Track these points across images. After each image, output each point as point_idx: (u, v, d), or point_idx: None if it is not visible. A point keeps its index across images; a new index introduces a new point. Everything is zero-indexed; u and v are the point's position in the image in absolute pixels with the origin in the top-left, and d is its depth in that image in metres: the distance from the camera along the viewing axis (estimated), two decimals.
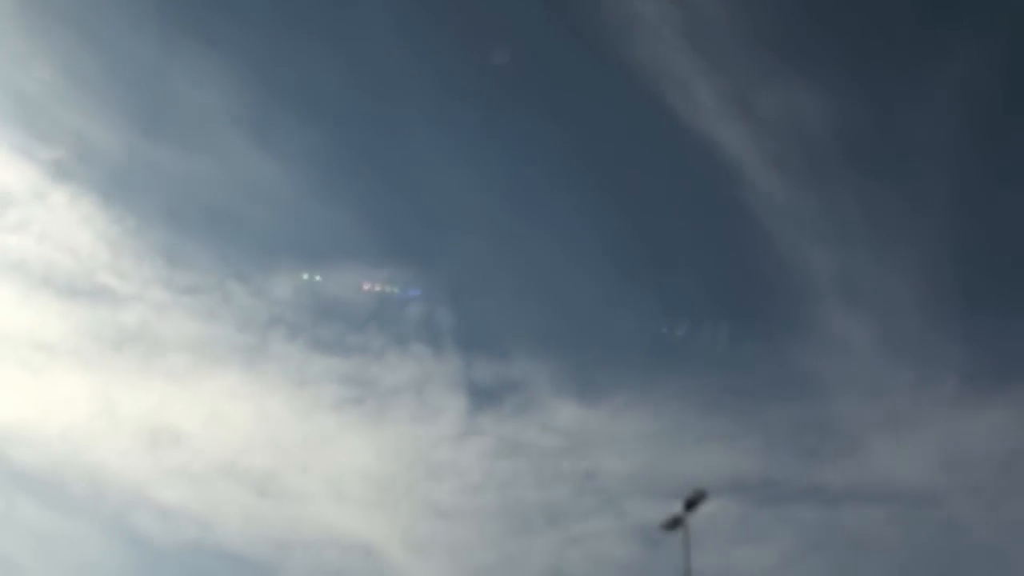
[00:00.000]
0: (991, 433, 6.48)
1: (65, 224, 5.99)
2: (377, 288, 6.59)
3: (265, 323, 6.36)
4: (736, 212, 7.25)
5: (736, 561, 6.17)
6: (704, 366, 7.05)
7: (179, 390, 6.14)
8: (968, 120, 7.12)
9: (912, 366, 7.04)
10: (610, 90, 7.46)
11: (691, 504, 3.21)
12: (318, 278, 6.41)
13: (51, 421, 5.96)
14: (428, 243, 7.76)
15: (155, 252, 6.17)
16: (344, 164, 7.43)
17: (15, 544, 5.86)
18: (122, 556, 6.04)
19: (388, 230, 7.69)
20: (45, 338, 5.93)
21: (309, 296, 6.48)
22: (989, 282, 7.23)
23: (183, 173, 6.60)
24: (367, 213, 7.60)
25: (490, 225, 7.63)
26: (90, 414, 6.09)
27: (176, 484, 6.06)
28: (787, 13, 7.02)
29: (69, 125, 6.13)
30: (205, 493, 6.17)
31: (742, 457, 6.59)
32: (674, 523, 3.19)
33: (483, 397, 6.71)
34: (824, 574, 6.23)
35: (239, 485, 6.24)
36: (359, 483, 6.53)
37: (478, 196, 7.67)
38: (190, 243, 6.60)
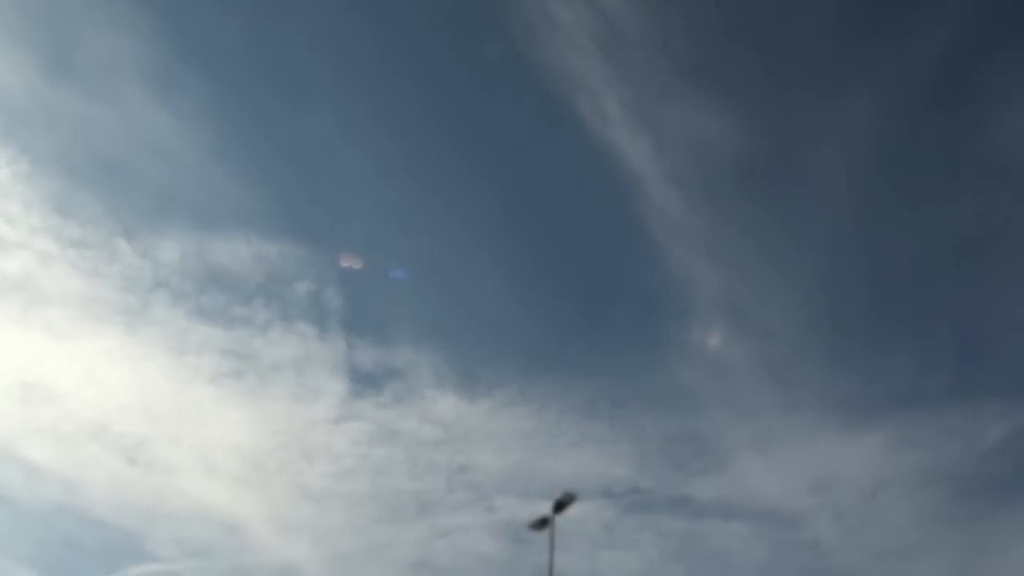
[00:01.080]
0: (858, 461, 6.74)
1: None
2: (267, 261, 6.53)
3: (149, 286, 6.24)
4: (632, 223, 7.38)
5: (601, 565, 6.29)
6: (586, 372, 7.16)
7: (56, 346, 6.00)
8: (861, 164, 7.41)
9: (786, 390, 7.29)
10: (517, 88, 7.49)
11: (560, 506, 3.25)
12: (208, 244, 6.33)
13: None
14: (324, 222, 7.66)
15: (45, 200, 5.99)
16: (247, 132, 7.31)
17: None
18: None
19: (285, 204, 7.58)
20: None
21: (197, 262, 6.35)
22: (864, 318, 7.53)
23: (82, 120, 6.41)
24: (265, 184, 7.47)
25: (388, 212, 7.59)
26: None
27: (45, 443, 5.94)
28: (704, 33, 7.16)
29: None
30: (73, 455, 6.06)
31: (615, 464, 6.72)
32: (542, 523, 3.23)
33: (364, 382, 6.68)
34: None
35: (109, 450, 6.13)
36: (231, 458, 6.44)
37: (378, 181, 7.64)
38: (82, 194, 6.41)
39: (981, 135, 6.95)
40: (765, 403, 6.99)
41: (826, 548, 6.40)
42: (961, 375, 6.94)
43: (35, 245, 5.84)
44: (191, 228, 6.51)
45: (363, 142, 7.49)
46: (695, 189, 7.07)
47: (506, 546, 6.15)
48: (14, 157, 5.86)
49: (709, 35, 7.22)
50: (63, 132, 6.37)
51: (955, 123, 7.12)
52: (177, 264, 6.29)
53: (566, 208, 7.69)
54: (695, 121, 7.06)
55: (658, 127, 6.95)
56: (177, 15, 6.73)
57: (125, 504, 6.08)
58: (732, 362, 6.94)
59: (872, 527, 6.41)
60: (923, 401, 6.84)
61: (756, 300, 7.25)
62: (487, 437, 6.66)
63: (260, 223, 7.13)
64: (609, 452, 6.70)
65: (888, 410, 6.82)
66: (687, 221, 7.02)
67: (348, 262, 6.70)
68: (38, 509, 6.00)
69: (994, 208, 6.94)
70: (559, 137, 7.39)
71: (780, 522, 6.47)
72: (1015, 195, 6.83)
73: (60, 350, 6.03)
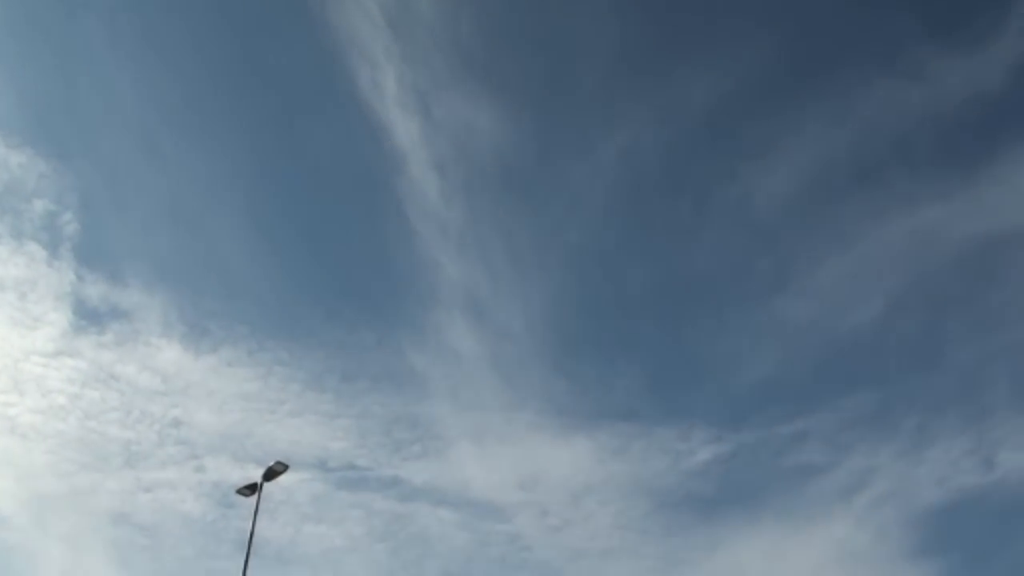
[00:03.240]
0: (569, 464, 7.11)
1: None
2: (7, 170, 6.09)
3: None
4: (389, 201, 7.45)
5: (306, 537, 6.31)
6: (319, 343, 7.15)
7: None
8: (619, 188, 7.81)
9: (511, 388, 7.57)
10: (298, 38, 7.41)
11: (271, 474, 3.23)
12: None
13: None
14: (75, 140, 7.26)
15: None
16: (9, 26, 6.83)
17: None
18: None
19: (36, 111, 7.15)
20: None
21: None
22: (595, 333, 7.94)
23: None
24: (18, 84, 7.01)
25: (144, 145, 7.27)
26: None
27: None
28: (494, 31, 7.36)
29: None
30: None
31: (334, 438, 6.75)
32: (251, 488, 3.21)
33: (88, 318, 6.43)
34: (385, 564, 6.54)
35: None
36: None
37: (140, 110, 7.31)
38: None
39: (734, 182, 7.52)
40: (489, 398, 7.24)
41: (528, 542, 6.73)
42: (678, 399, 7.51)
43: None
44: None
45: (131, 64, 7.16)
46: (456, 179, 7.22)
47: (212, 508, 6.05)
48: None
49: (498, 33, 7.42)
50: None
51: (714, 166, 7.67)
52: None
53: (327, 173, 7.66)
54: (468, 113, 7.22)
55: (430, 111, 7.06)
56: None
57: None
58: (464, 354, 7.13)
59: (574, 528, 6.78)
60: (639, 417, 7.36)
61: (497, 298, 7.49)
62: (208, 394, 6.52)
63: (5, 126, 6.69)
64: (330, 426, 6.72)
65: (604, 420, 7.24)
66: (443, 209, 7.16)
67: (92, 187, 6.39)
68: None
69: (734, 251, 7.51)
70: (333, 99, 7.36)
71: (487, 513, 6.73)
72: (756, 242, 7.43)
73: None
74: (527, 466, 7.06)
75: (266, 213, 7.75)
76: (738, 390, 7.39)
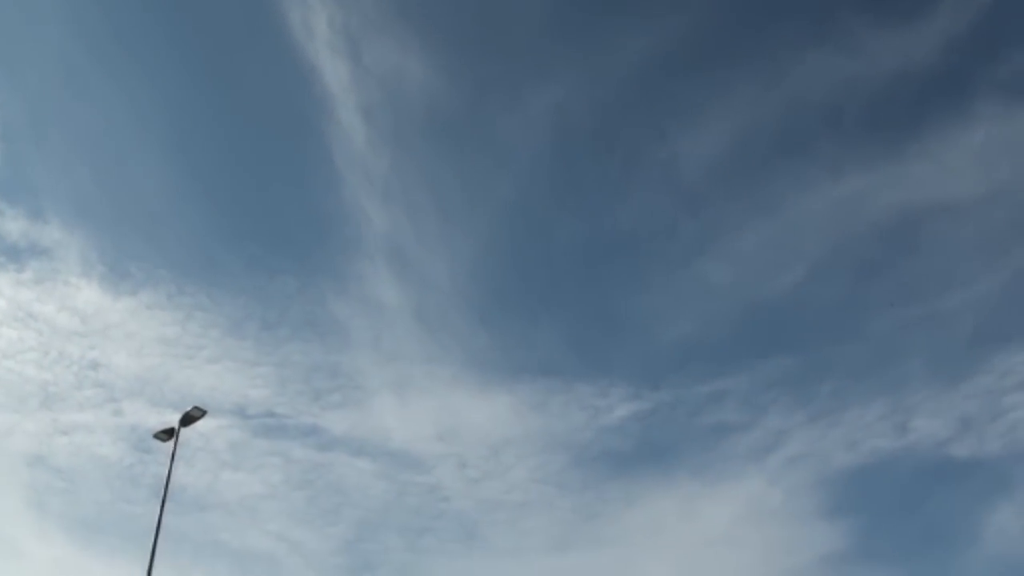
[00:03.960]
0: (489, 418, 7.14)
1: None
2: None
3: None
4: (316, 145, 7.33)
5: (223, 484, 6.26)
6: (240, 289, 7.04)
7: None
8: (550, 145, 7.78)
9: (434, 340, 7.55)
10: None
11: (188, 419, 3.18)
12: None
13: None
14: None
15: None
16: None
17: None
18: None
19: None
20: None
21: None
22: (519, 287, 7.95)
23: None
24: None
25: (68, 72, 7.04)
26: None
27: None
28: None
29: None
30: None
31: (253, 385, 6.68)
32: (168, 433, 3.15)
33: (6, 254, 6.30)
34: (303, 512, 6.52)
35: None
36: None
37: (65, 33, 7.04)
38: None
39: (664, 144, 7.55)
40: (411, 349, 7.22)
41: (446, 493, 6.77)
42: (599, 356, 7.56)
43: None
44: None
45: None
46: (385, 126, 7.12)
47: (128, 452, 5.96)
48: None
49: None
50: None
51: (643, 127, 7.68)
52: None
53: (254, 114, 7.50)
54: (399, 59, 7.12)
55: (361, 56, 6.94)
56: None
57: None
58: (387, 304, 7.09)
59: (492, 480, 6.83)
60: (559, 373, 7.41)
61: (422, 248, 7.44)
62: (126, 337, 6.39)
63: None
64: (249, 373, 6.64)
65: (525, 375, 7.30)
66: (370, 156, 7.06)
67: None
68: None
69: (660, 212, 7.56)
70: (262, 38, 7.19)
71: (406, 464, 6.75)
72: (682, 204, 7.48)
73: None
74: (447, 418, 7.08)
75: (190, 153, 7.58)
76: (658, 349, 7.49)
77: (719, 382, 6.97)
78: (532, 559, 6.32)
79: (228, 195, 7.60)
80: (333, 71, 6.85)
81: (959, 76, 7.23)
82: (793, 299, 7.36)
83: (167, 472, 3.10)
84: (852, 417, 6.63)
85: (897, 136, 7.58)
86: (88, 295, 6.29)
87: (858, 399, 6.75)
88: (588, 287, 7.78)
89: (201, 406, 3.24)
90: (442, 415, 7.09)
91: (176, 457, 3.14)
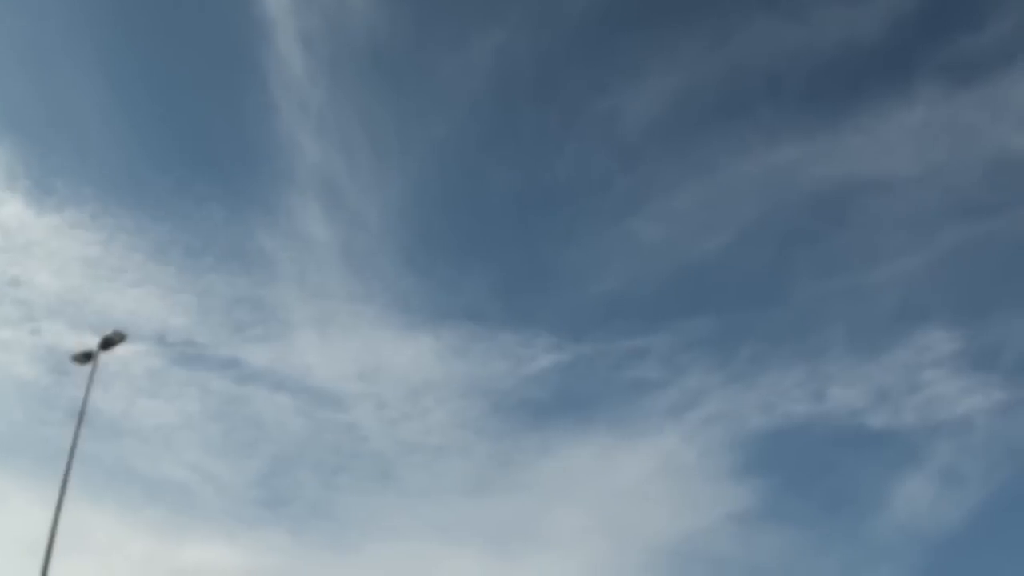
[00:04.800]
0: (411, 360, 7.11)
1: None
2: None
3: None
4: (252, 72, 7.13)
5: (139, 411, 6.15)
6: (166, 214, 6.87)
7: None
8: (491, 90, 7.69)
9: (360, 279, 7.48)
10: None
11: (108, 343, 3.09)
12: None
13: None
14: None
15: None
16: None
17: None
18: None
19: None
20: None
21: None
22: (449, 231, 7.89)
23: None
24: None
25: None
26: None
27: None
28: None
29: None
30: None
31: (174, 312, 6.55)
32: (86, 357, 3.06)
33: None
34: (218, 444, 6.44)
35: None
36: None
37: None
38: None
39: (604, 97, 7.51)
40: (336, 286, 7.14)
41: (364, 433, 6.75)
42: (525, 306, 7.56)
43: None
44: None
45: None
46: (323, 56, 6.96)
47: (44, 374, 5.81)
48: None
49: None
50: None
51: (585, 79, 7.63)
52: None
53: (190, 35, 7.27)
54: None
55: None
56: None
57: None
58: (315, 240, 6.99)
59: (410, 422, 6.82)
60: (484, 319, 7.39)
61: (354, 185, 7.32)
62: (49, 254, 6.20)
63: None
64: (171, 300, 6.51)
65: (449, 319, 7.26)
66: (307, 86, 6.90)
67: None
68: None
69: (596, 166, 7.54)
70: None
71: (325, 401, 6.70)
72: (618, 159, 7.47)
73: None
74: (369, 358, 7.03)
75: (122, 71, 7.32)
76: (584, 303, 7.52)
77: (641, 339, 7.04)
78: (446, 501, 6.36)
79: (159, 116, 7.38)
80: None
81: (903, 55, 7.33)
82: (721, 262, 7.45)
83: (84, 396, 3.03)
84: (770, 381, 6.76)
85: (836, 109, 7.68)
86: (11, 209, 6.09)
87: (777, 364, 6.89)
88: (518, 236, 7.77)
89: (121, 330, 3.18)
90: (364, 354, 7.05)
91: (93, 381, 3.08)
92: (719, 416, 6.75)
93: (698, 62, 7.45)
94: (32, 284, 6.10)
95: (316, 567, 5.85)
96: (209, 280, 6.74)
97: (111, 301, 6.19)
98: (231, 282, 6.78)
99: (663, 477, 6.58)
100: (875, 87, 7.76)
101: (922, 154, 6.98)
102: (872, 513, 6.37)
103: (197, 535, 5.90)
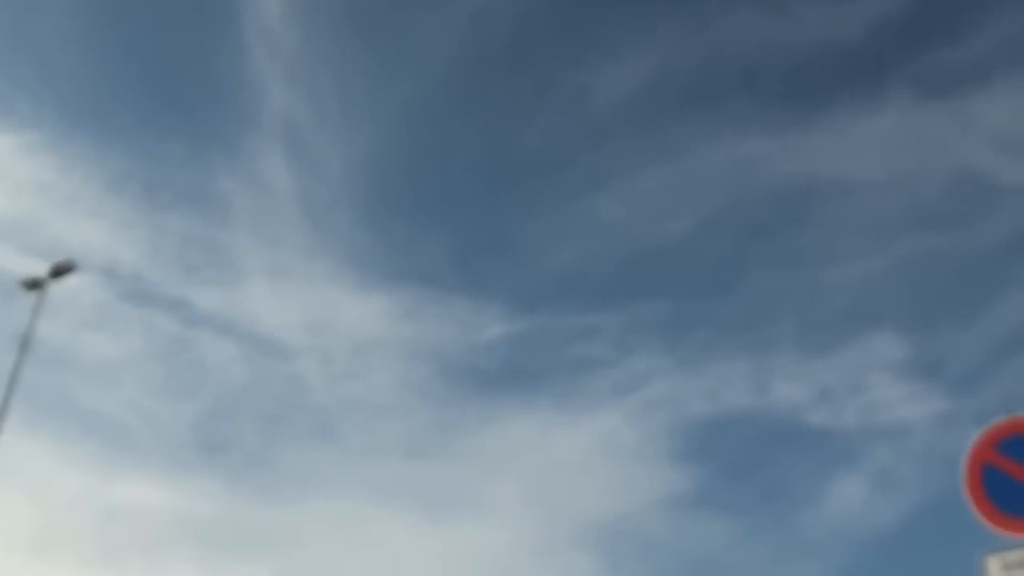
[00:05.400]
0: (360, 317, 7.03)
1: None
2: None
3: None
4: (226, 8, 6.97)
5: (83, 344, 6.00)
6: (126, 146, 6.73)
7: None
8: (471, 52, 7.58)
9: (318, 231, 7.37)
10: None
11: (58, 271, 2.99)
12: None
13: None
14: None
15: None
16: None
17: None
18: None
19: None
20: None
21: None
22: (413, 190, 7.79)
23: None
24: None
25: None
26: None
27: None
28: None
29: None
30: None
31: (126, 247, 6.38)
32: (34, 284, 2.96)
33: None
34: (159, 385, 6.33)
35: None
36: None
37: None
38: None
39: (578, 71, 7.44)
40: (292, 237, 7.02)
41: (307, 386, 6.66)
42: (481, 274, 7.52)
43: None
44: None
45: None
46: (300, 2, 6.80)
47: None
48: None
49: None
50: None
51: (561, 49, 7.54)
52: None
53: None
54: None
55: None
56: None
57: None
58: (275, 187, 6.86)
59: (355, 380, 6.75)
60: (438, 284, 7.33)
61: (320, 136, 7.20)
62: (3, 175, 6.01)
63: None
64: (124, 234, 6.37)
65: (403, 280, 7.21)
66: (281, 30, 6.74)
67: None
68: None
69: (564, 140, 7.49)
70: None
71: (270, 351, 6.60)
72: (587, 135, 7.43)
73: None
74: (319, 311, 6.94)
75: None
76: (540, 276, 7.48)
77: (593, 317, 7.02)
78: (385, 462, 6.32)
79: (127, 46, 7.15)
80: None
81: (880, 60, 7.34)
82: (679, 247, 7.44)
83: (29, 323, 2.93)
84: (716, 370, 6.79)
85: (809, 106, 7.71)
86: None
87: (725, 354, 6.92)
88: (480, 203, 7.69)
89: (72, 260, 3.07)
90: (314, 307, 6.96)
91: (40, 309, 2.98)
92: (663, 400, 6.79)
93: (676, 45, 7.42)
94: None
95: (248, 517, 5.80)
96: (164, 217, 6.59)
97: (63, 229, 6.01)
98: (186, 222, 6.63)
99: (602, 456, 6.61)
100: (849, 89, 7.79)
101: (888, 161, 7.03)
102: (804, 509, 6.46)
103: (131, 474, 5.81)
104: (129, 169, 6.57)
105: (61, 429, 5.91)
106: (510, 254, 7.52)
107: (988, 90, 6.94)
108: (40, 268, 3.02)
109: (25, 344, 2.85)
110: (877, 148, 7.01)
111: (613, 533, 6.12)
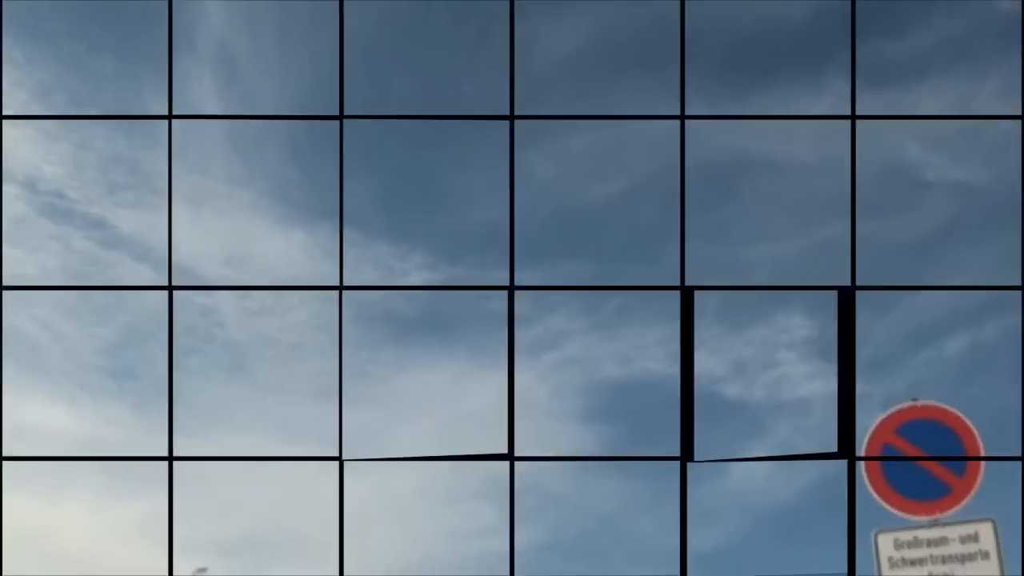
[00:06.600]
0: (281, 254, 6.50)
1: None
2: None
3: None
4: None
5: None
6: (54, 55, 6.30)
7: None
8: None
9: (244, 163, 7.00)
10: None
11: None
12: None
13: None
14: None
15: None
16: None
17: None
18: None
19: None
20: None
21: None
22: (344, 133, 7.62)
23: None
24: None
25: None
26: None
27: None
28: None
29: None
30: None
31: (48, 160, 5.96)
32: None
33: None
34: (72, 305, 6.09)
35: None
36: None
37: None
38: None
39: (523, 25, 7.31)
40: (218, 166, 6.54)
41: (221, 319, 6.09)
42: (407, 221, 6.81)
43: None
44: None
45: None
46: None
47: None
48: None
49: None
50: None
51: (498, 8, 7.39)
52: None
53: None
54: None
55: None
56: None
57: None
58: (205, 113, 6.65)
59: (271, 316, 6.20)
60: (363, 226, 6.60)
61: (254, 66, 6.90)
62: None
63: None
64: (48, 147, 5.84)
65: (327, 221, 6.76)
66: None
67: None
68: None
69: (503, 93, 7.38)
70: None
71: (187, 280, 6.31)
72: (525, 90, 7.33)
73: None
74: (238, 244, 6.76)
75: None
76: (465, 228, 7.36)
77: (515, 273, 7.00)
78: (294, 401, 6.22)
79: None
80: None
81: (819, 45, 7.38)
82: (605, 210, 7.37)
83: None
84: (632, 335, 6.79)
85: (747, 83, 7.67)
86: None
87: (642, 320, 6.92)
88: (411, 149, 7.54)
89: None
90: (234, 240, 6.78)
91: None
92: (576, 360, 6.77)
93: (621, 8, 7.38)
94: None
95: (154, 446, 5.70)
96: (89, 133, 6.37)
97: None
98: (111, 139, 6.40)
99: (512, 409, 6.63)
100: (787, 70, 7.80)
101: (819, 145, 7.04)
102: (709, 478, 6.59)
103: (39, 395, 5.67)
104: (58, 80, 6.32)
105: None
106: (438, 203, 7.42)
107: (924, 87, 7.00)
108: None
109: None
110: (810, 132, 7.05)
111: (517, 486, 6.16)
